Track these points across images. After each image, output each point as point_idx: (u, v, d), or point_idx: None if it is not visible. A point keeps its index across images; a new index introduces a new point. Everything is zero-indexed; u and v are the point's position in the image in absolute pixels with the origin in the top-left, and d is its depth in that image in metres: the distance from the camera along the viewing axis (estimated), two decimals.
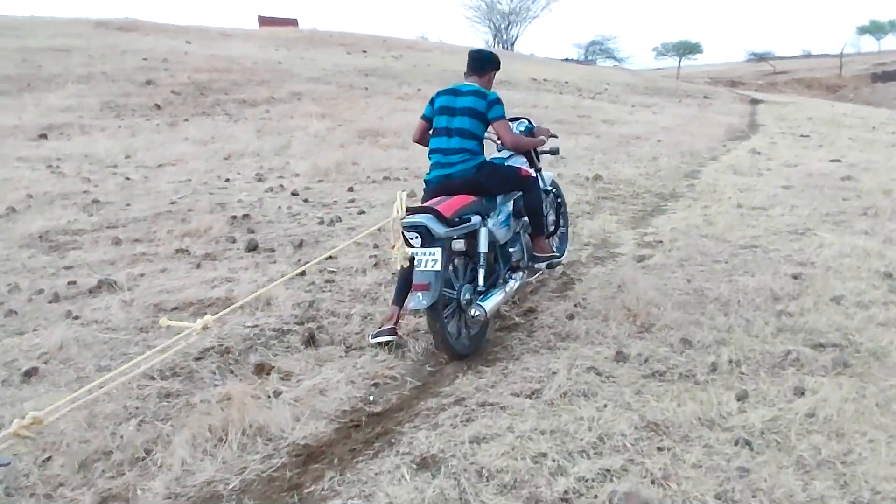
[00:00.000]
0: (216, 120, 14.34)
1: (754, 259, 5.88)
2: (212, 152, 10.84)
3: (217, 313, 3.10)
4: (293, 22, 43.45)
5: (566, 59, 59.78)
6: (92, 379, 3.68)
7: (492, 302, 4.20)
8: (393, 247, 3.83)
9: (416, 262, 3.85)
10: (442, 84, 21.70)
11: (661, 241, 6.46)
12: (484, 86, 4.64)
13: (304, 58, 24.59)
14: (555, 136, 5.63)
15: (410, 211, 3.86)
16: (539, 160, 5.36)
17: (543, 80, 25.55)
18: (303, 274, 5.51)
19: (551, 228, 5.46)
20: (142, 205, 7.65)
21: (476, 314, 4.07)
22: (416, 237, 3.88)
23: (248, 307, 4.86)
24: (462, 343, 4.16)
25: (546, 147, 5.41)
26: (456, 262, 4.20)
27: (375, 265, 5.78)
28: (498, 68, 4.83)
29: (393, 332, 4.30)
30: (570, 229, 6.24)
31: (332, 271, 5.65)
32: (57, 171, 9.25)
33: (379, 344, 4.26)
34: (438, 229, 3.87)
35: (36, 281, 5.37)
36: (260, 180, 9.11)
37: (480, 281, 4.22)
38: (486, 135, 4.59)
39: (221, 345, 4.25)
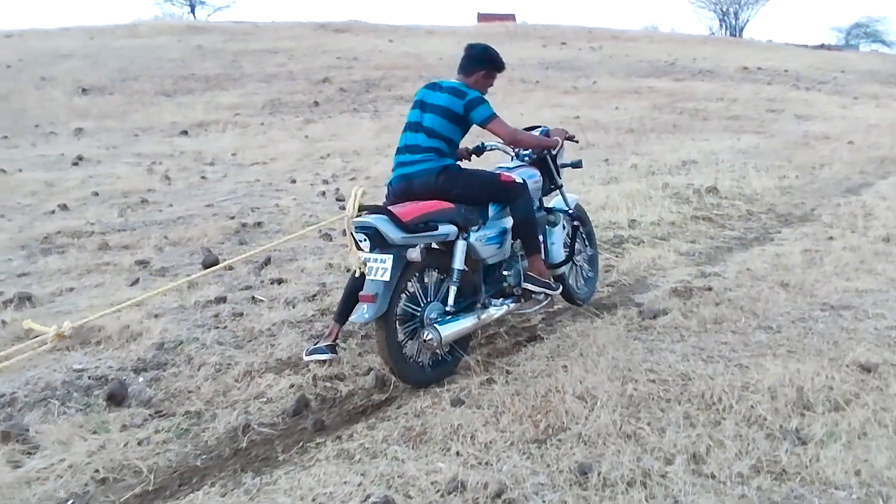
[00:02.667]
0: (358, 117, 14.04)
1: (827, 329, 3.87)
2: (314, 151, 10.40)
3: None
4: (511, 17, 42.85)
5: (821, 46, 52.12)
6: None
7: (453, 327, 3.48)
8: (350, 250, 3.47)
9: (366, 270, 3.35)
10: (626, 76, 19.75)
11: (710, 289, 4.59)
12: (470, 86, 3.82)
13: None
14: (572, 139, 4.34)
15: (364, 211, 3.35)
16: (559, 174, 4.30)
17: (757, 69, 22.10)
18: (223, 300, 4.64)
19: (561, 256, 4.19)
20: (180, 207, 7.30)
21: (428, 338, 3.39)
22: (365, 240, 3.36)
23: (118, 337, 4.11)
24: (419, 369, 3.54)
25: (566, 159, 4.42)
26: (427, 276, 3.62)
27: (313, 296, 4.72)
28: (491, 68, 3.92)
29: (332, 349, 3.76)
30: (599, 265, 4.83)
31: (260, 300, 4.69)
32: (150, 168, 9.34)
33: (317, 362, 3.72)
34: (392, 234, 3.29)
35: None
36: (325, 182, 8.41)
37: (450, 301, 3.54)
38: (494, 144, 4.20)
39: (14, 393, 3.49)
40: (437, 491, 2.58)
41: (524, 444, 2.89)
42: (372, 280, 3.33)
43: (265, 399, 3.48)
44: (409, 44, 25.45)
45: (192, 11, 44.35)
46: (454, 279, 3.57)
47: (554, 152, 4.22)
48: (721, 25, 53.15)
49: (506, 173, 3.90)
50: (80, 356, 3.91)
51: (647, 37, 30.97)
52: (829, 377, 3.25)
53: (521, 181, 3.87)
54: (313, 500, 2.55)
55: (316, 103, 15.61)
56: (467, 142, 4.17)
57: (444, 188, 3.63)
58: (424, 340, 3.41)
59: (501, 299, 3.88)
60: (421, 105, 3.82)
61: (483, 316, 3.67)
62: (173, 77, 18.08)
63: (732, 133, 11.13)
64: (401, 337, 3.48)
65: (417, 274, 3.56)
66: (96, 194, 7.92)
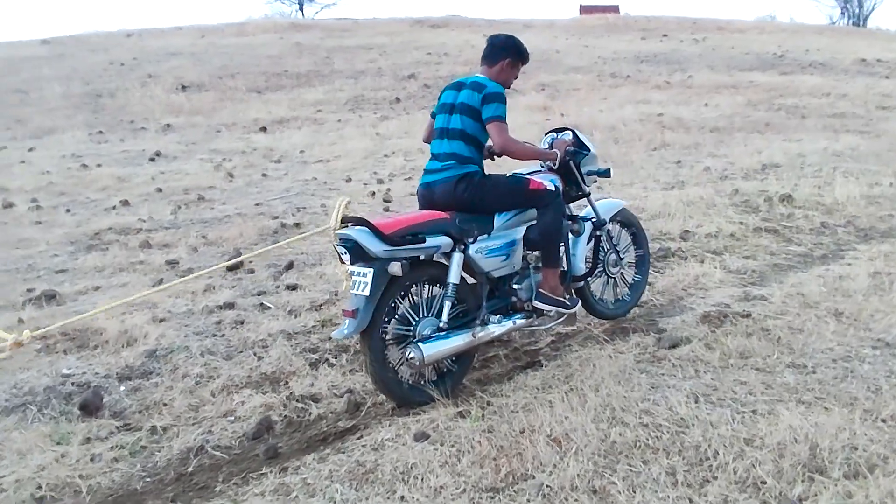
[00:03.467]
0: None
1: (872, 372, 3.30)
2: (380, 149, 10.30)
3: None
4: (614, 9, 41.33)
5: None
6: None
7: (439, 346, 3.22)
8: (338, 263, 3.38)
9: (350, 283, 3.22)
10: (726, 70, 18.51)
11: (748, 315, 4.05)
12: (493, 77, 3.56)
13: (587, 45, 23.01)
14: (576, 152, 3.86)
15: (346, 223, 3.21)
16: (585, 182, 3.92)
17: (876, 62, 20.17)
18: (231, 306, 4.55)
19: (582, 269, 3.88)
20: (231, 205, 7.36)
21: (410, 356, 3.17)
22: (346, 253, 3.18)
23: (115, 342, 4.09)
24: (408, 386, 3.31)
25: (598, 165, 3.99)
26: (425, 289, 3.38)
27: (320, 306, 4.54)
28: (516, 57, 3.63)
29: None
30: (649, 269, 4.45)
31: (267, 307, 4.57)
32: (218, 165, 9.51)
33: None
34: (372, 247, 3.09)
35: (15, 283, 5.24)
36: (379, 181, 8.27)
37: (444, 316, 3.28)
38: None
39: None
40: None
41: (477, 493, 2.59)
42: (354, 294, 3.16)
43: (233, 417, 3.34)
44: None
45: (301, 9, 45.62)
46: (448, 293, 3.31)
47: (554, 165, 3.82)
48: (843, 14, 49.13)
49: (536, 179, 3.59)
50: (73, 360, 3.91)
51: (758, 27, 29.01)
52: (854, 434, 2.74)
53: (554, 187, 3.59)
54: None
55: (397, 99, 15.55)
56: None
57: (464, 197, 3.39)
58: (407, 359, 3.17)
59: (500, 316, 3.55)
60: (447, 108, 3.56)
61: (480, 333, 3.37)
62: (267, 74, 18.54)
63: (831, 133, 10.11)
64: (391, 353, 3.28)
65: (414, 287, 3.33)
66: (160, 191, 8.13)
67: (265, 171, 9.03)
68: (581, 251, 3.92)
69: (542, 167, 3.88)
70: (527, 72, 17.99)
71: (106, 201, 7.80)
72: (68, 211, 7.46)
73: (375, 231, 3.09)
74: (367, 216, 3.27)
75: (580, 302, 3.83)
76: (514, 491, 2.57)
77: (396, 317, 3.28)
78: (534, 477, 2.64)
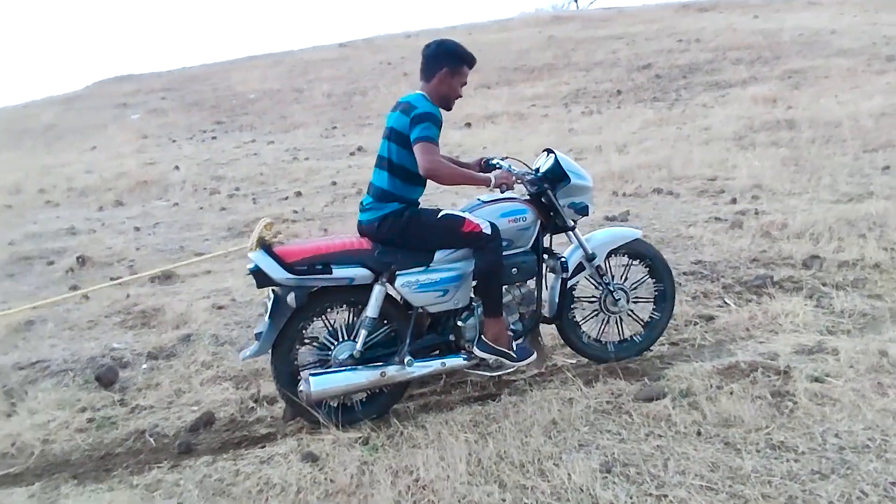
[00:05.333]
0: (646, 107, 12.88)
1: (867, 477, 2.42)
2: (561, 146, 9.91)
3: None
4: None
5: None
6: None
7: (332, 381, 3.03)
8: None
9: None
10: None
11: (786, 372, 3.19)
12: (432, 92, 3.20)
13: (874, 24, 19.43)
14: (507, 188, 3.25)
15: (262, 245, 3.06)
16: (563, 216, 3.41)
17: None
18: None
19: (553, 311, 3.48)
20: (320, 199, 7.71)
21: (300, 389, 3.05)
22: (251, 276, 3.10)
23: (171, 322, 4.57)
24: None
25: (572, 196, 3.41)
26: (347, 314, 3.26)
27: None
28: (454, 62, 3.20)
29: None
30: (672, 308, 3.75)
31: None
32: (354, 161, 10.00)
33: None
34: (273, 274, 3.00)
35: (157, 263, 6.10)
36: None
37: (358, 346, 3.12)
38: (498, 160, 3.45)
39: (51, 359, 4.14)
40: None
41: None
42: (260, 317, 3.13)
43: (196, 408, 3.55)
44: (773, 19, 22.25)
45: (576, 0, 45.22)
46: (366, 325, 3.13)
47: (563, 200, 3.39)
48: None
49: (472, 219, 3.16)
50: (129, 335, 4.47)
51: None
52: None
53: (489, 231, 3.13)
54: None
55: (618, 92, 14.76)
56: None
57: (389, 237, 3.15)
58: (299, 390, 3.07)
59: (423, 357, 3.22)
60: (385, 133, 3.25)
61: (392, 373, 3.11)
62: (504, 69, 18.82)
63: None
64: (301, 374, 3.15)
65: (332, 310, 3.23)
66: (334, 184, 8.79)
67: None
68: (555, 289, 3.48)
69: (517, 195, 3.43)
70: (782, 57, 15.93)
71: (286, 191, 8.67)
72: (254, 200, 8.44)
73: (276, 258, 3.00)
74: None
75: (535, 353, 3.35)
76: None
77: (311, 340, 3.20)
78: None
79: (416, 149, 3.03)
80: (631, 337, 3.62)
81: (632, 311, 3.60)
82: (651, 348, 3.67)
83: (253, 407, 3.48)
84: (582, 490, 2.47)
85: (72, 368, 4.04)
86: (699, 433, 2.79)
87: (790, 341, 3.58)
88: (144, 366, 4.07)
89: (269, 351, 3.12)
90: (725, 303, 4.26)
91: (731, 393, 3.03)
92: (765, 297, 4.24)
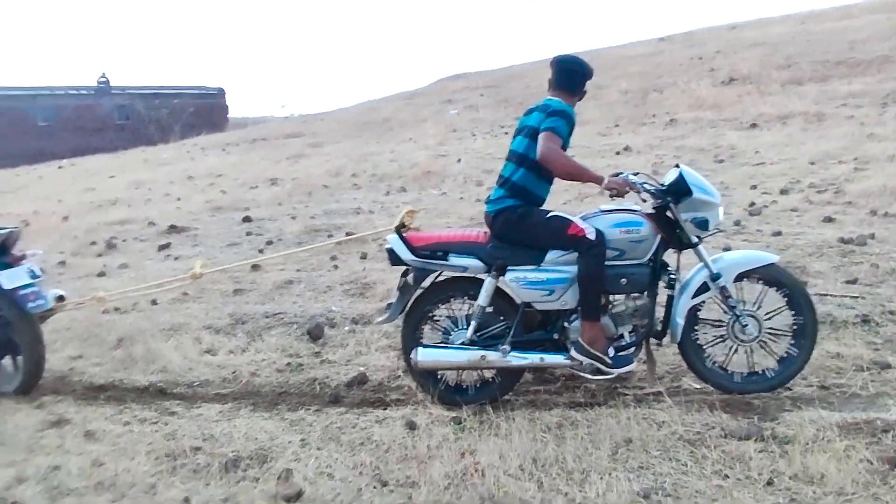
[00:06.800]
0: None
1: None
2: (845, 153, 8.68)
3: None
4: None
5: None
6: None
7: (437, 355, 3.42)
8: None
9: None
10: None
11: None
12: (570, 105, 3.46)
13: None
14: (618, 194, 3.28)
15: (399, 230, 3.58)
16: (686, 232, 3.32)
17: None
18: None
19: (651, 328, 3.40)
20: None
21: (411, 357, 3.48)
22: (388, 256, 3.59)
23: (378, 295, 5.30)
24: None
25: (693, 212, 3.30)
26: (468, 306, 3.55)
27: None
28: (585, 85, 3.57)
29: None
30: (812, 342, 3.35)
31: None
32: (615, 161, 9.72)
33: None
34: (402, 255, 3.48)
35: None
36: (784, 192, 7.24)
37: (468, 333, 3.43)
38: (627, 174, 3.36)
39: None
40: None
41: (372, 480, 2.90)
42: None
43: (363, 368, 4.14)
44: None
45: None
46: (477, 313, 3.43)
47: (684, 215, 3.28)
48: None
49: (579, 223, 3.27)
50: (348, 301, 5.31)
51: None
52: None
53: (593, 237, 3.21)
54: None
55: None
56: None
57: (501, 231, 3.41)
58: (410, 357, 3.48)
59: (523, 349, 3.37)
60: (526, 131, 3.45)
61: (491, 357, 3.35)
62: (822, 62, 16.61)
63: None
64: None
65: (454, 300, 3.58)
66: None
67: (658, 170, 8.80)
68: (674, 309, 3.33)
69: (633, 209, 3.37)
70: None
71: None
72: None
73: (405, 241, 3.45)
74: None
75: (633, 364, 3.33)
76: (392, 492, 2.78)
77: (435, 323, 3.58)
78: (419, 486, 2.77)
79: (541, 136, 3.25)
80: (763, 371, 3.31)
81: (765, 342, 3.29)
82: (788, 386, 3.30)
83: (399, 376, 3.99)
84: None
85: (297, 322, 5.00)
86: (770, 483, 2.55)
87: None
88: (346, 328, 4.85)
89: (401, 324, 3.60)
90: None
91: (835, 450, 2.66)
92: None
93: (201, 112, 39.08)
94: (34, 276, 4.07)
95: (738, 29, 27.10)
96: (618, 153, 10.95)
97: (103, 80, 41.14)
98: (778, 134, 10.74)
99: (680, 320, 3.29)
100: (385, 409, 3.57)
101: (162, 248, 7.84)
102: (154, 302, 5.66)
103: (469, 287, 3.51)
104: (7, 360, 4.15)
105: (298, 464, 2.99)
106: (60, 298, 4.29)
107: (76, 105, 40.13)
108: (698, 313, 3.35)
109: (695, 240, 3.30)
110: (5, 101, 38.43)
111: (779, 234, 5.65)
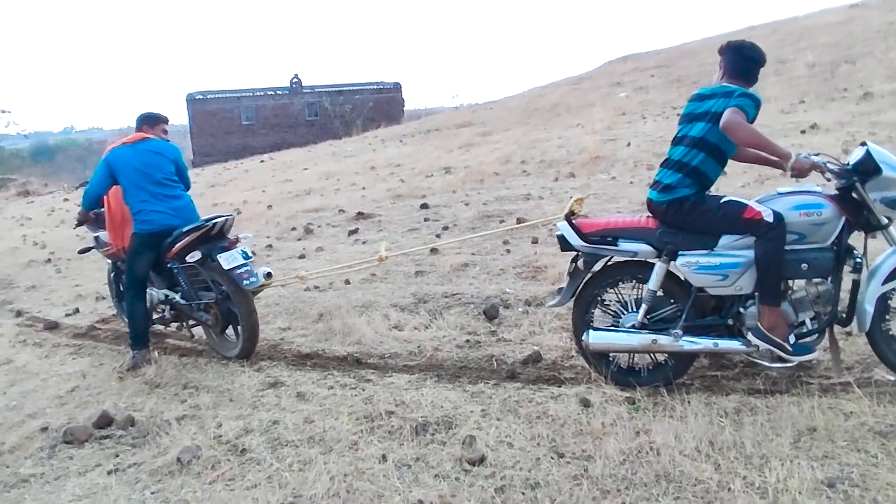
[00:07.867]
0: None
1: None
2: None
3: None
4: None
5: None
6: None
7: (607, 338, 3.47)
8: None
9: None
10: None
11: None
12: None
13: None
14: (800, 175, 3.13)
15: (568, 217, 3.62)
16: (875, 213, 3.11)
17: None
18: None
19: (834, 315, 3.19)
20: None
21: (582, 339, 3.56)
22: (559, 242, 3.68)
23: (550, 279, 5.43)
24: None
25: (887, 191, 3.07)
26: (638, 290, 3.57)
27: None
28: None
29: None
30: None
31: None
32: (801, 140, 8.85)
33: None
34: (571, 240, 3.56)
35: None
36: None
37: (639, 317, 3.46)
38: (807, 155, 3.18)
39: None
40: None
41: (549, 451, 3.05)
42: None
43: (537, 347, 4.30)
44: None
45: None
46: (647, 297, 3.45)
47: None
48: None
49: (755, 206, 3.16)
50: (521, 284, 5.48)
51: None
52: None
53: (771, 219, 3.09)
54: None
55: None
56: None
57: (672, 222, 3.36)
58: (582, 339, 3.56)
59: (694, 333, 3.33)
60: (708, 117, 3.30)
61: (662, 342, 3.35)
62: None
63: None
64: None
65: (623, 283, 3.62)
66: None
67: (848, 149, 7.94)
68: (861, 296, 3.11)
69: (814, 191, 3.16)
70: None
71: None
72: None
73: (574, 228, 3.52)
74: None
75: (815, 352, 3.18)
76: (568, 463, 2.91)
77: (606, 307, 3.61)
78: (595, 460, 2.88)
79: (727, 111, 3.10)
80: None
81: None
82: None
83: (572, 356, 4.09)
84: (790, 492, 2.43)
85: (473, 302, 5.26)
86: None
87: None
88: (520, 309, 5.02)
89: (572, 307, 3.69)
90: None
91: None
92: None
93: (380, 106, 41.29)
94: (247, 258, 4.60)
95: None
96: (803, 132, 10.09)
97: (295, 80, 44.62)
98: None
99: (869, 308, 3.07)
100: (559, 386, 3.68)
101: (351, 233, 8.51)
102: (347, 281, 6.21)
103: (638, 271, 3.52)
104: (230, 330, 4.80)
105: (480, 432, 3.20)
106: (269, 275, 4.84)
107: (273, 104, 43.96)
108: (890, 301, 3.11)
109: (885, 220, 3.06)
110: (216, 104, 43.03)
111: None
